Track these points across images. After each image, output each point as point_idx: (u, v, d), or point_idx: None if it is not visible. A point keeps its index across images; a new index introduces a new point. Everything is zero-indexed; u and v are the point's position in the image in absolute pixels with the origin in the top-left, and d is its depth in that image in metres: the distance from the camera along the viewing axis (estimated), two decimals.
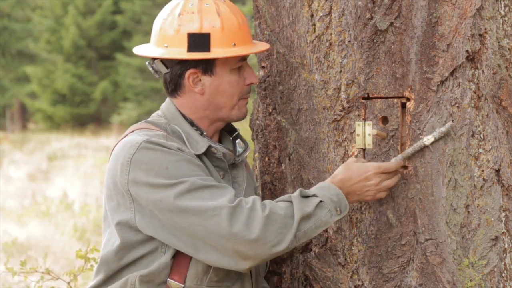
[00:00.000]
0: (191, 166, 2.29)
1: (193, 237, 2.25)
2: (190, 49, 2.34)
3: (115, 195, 2.34)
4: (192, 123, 2.42)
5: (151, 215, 2.28)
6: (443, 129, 2.36)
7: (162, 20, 2.40)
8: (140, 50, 2.46)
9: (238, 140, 2.54)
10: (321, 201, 2.28)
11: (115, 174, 2.32)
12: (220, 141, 2.54)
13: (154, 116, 2.47)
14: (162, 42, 2.38)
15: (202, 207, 2.22)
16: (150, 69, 2.42)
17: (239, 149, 2.53)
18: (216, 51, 2.34)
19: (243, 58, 2.42)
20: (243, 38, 2.39)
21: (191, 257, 2.32)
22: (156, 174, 2.26)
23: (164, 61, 2.40)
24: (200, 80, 2.39)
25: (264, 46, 2.50)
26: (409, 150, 2.39)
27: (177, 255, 2.32)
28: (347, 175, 2.34)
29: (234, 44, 2.36)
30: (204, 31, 2.34)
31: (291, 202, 2.28)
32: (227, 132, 2.56)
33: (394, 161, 2.37)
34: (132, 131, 2.39)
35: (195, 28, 2.34)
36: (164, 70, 2.41)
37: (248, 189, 2.52)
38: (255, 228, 2.20)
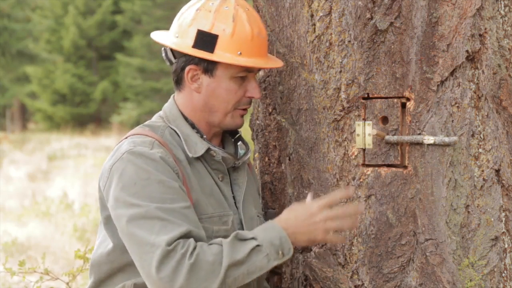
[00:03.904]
0: (160, 187, 2.22)
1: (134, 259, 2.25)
2: (196, 45, 2.34)
3: (101, 199, 2.37)
4: (193, 125, 2.42)
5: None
6: (446, 139, 2.36)
7: (183, 11, 2.42)
8: (156, 35, 2.46)
9: (239, 143, 2.53)
10: (258, 245, 2.18)
11: (101, 178, 2.35)
12: (222, 142, 2.54)
13: (155, 117, 2.48)
14: (176, 32, 2.39)
15: (144, 240, 2.17)
16: (163, 55, 2.43)
17: (240, 151, 2.52)
18: (219, 54, 2.33)
19: (248, 69, 2.38)
20: (252, 49, 2.36)
21: None
22: (122, 187, 2.24)
23: (173, 51, 2.41)
24: (199, 78, 2.39)
25: (275, 63, 2.45)
26: (406, 137, 2.39)
27: None
28: (292, 214, 2.25)
29: (240, 53, 2.34)
30: (214, 32, 2.34)
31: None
32: (229, 133, 2.56)
33: (341, 191, 2.29)
34: (127, 137, 2.39)
35: (206, 27, 2.34)
36: (172, 59, 2.42)
37: (249, 190, 2.52)
38: (180, 276, 2.13)
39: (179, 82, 2.43)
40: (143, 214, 2.19)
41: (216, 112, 2.40)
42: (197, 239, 2.21)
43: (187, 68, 2.38)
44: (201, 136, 2.40)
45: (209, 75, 2.37)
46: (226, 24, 2.34)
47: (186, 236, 2.18)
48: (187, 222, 2.21)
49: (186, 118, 2.42)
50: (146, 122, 2.45)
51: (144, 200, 2.20)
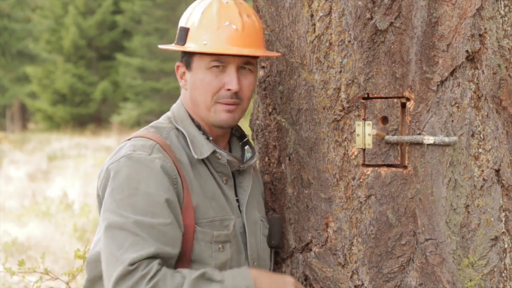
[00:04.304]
0: (146, 199, 2.22)
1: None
2: (176, 41, 2.41)
3: (98, 197, 2.38)
4: (199, 127, 2.42)
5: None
6: (445, 139, 2.36)
7: None
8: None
9: (246, 147, 2.53)
10: None
11: (98, 178, 2.37)
12: (230, 145, 2.54)
13: (162, 118, 2.49)
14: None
15: (112, 252, 2.19)
16: None
17: (247, 155, 2.52)
18: (187, 46, 2.37)
19: (219, 59, 2.35)
20: (218, 39, 2.34)
21: (190, 265, 2.31)
22: (111, 191, 2.25)
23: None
24: (185, 75, 2.43)
25: (251, 52, 2.37)
26: (405, 137, 2.39)
27: (177, 264, 2.29)
28: (269, 273, 2.37)
29: (206, 43, 2.34)
30: (187, 25, 2.39)
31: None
32: (237, 137, 2.56)
33: None
34: (130, 139, 2.39)
35: (183, 22, 2.41)
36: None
37: (253, 194, 2.52)
38: None
39: (179, 82, 2.47)
40: (120, 225, 2.19)
41: (200, 108, 2.40)
42: (166, 260, 2.21)
43: (175, 66, 2.45)
44: (207, 138, 2.40)
45: (189, 70, 2.41)
46: (196, 17, 2.38)
47: (153, 257, 2.18)
48: (161, 241, 2.20)
49: (193, 119, 2.43)
50: (153, 123, 2.46)
51: (126, 210, 2.21)
